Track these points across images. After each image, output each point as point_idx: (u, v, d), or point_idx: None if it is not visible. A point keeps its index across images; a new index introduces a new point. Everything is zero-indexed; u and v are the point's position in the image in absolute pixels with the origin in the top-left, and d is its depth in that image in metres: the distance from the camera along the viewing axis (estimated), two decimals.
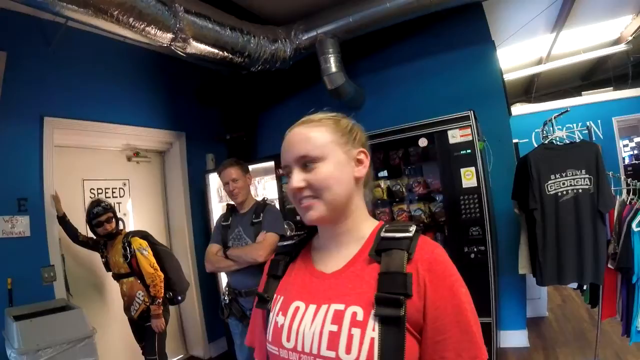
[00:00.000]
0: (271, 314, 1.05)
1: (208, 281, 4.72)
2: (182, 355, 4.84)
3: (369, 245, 1.01)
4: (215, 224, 3.21)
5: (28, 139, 3.56)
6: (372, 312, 0.89)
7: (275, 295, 1.08)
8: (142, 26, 3.12)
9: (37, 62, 3.64)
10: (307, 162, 1.02)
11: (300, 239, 1.18)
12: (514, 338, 3.95)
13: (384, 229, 1.02)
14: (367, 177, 1.11)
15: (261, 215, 2.90)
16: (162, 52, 4.56)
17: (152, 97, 4.61)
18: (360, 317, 0.90)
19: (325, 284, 1.01)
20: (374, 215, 3.95)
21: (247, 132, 5.15)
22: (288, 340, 0.97)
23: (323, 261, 1.07)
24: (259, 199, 3.15)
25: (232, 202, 3.12)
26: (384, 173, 4.02)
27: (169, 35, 3.31)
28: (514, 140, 4.00)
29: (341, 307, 0.93)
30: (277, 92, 5.10)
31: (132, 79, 4.43)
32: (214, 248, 2.99)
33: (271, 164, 4.32)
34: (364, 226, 1.07)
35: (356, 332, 0.89)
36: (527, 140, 5.66)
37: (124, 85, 4.33)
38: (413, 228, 0.99)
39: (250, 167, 4.57)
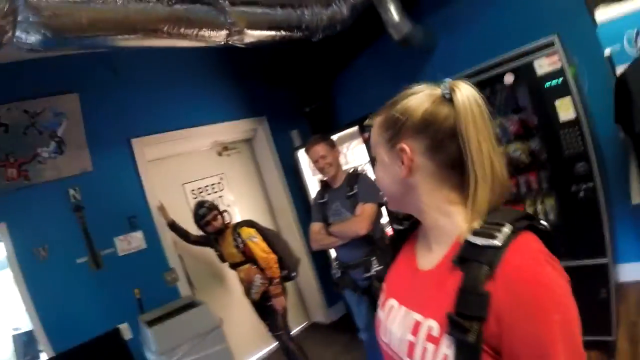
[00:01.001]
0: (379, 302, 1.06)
1: (318, 252, 4.69)
2: (305, 323, 5.02)
3: (457, 247, 0.84)
4: (312, 203, 3.18)
5: (123, 162, 3.78)
6: (447, 330, 0.78)
7: (384, 284, 1.08)
8: (195, 32, 3.04)
9: (109, 92, 3.76)
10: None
11: (411, 222, 1.06)
12: (633, 271, 3.48)
13: (472, 230, 0.82)
14: (436, 167, 0.89)
15: (355, 186, 2.83)
16: (221, 46, 4.45)
17: (226, 90, 4.60)
18: (435, 332, 0.81)
19: (416, 284, 0.94)
20: None
21: (324, 101, 4.97)
22: (384, 335, 0.98)
23: (422, 252, 0.98)
24: (349, 166, 3.07)
25: (325, 179, 3.07)
26: None
27: (223, 32, 3.19)
28: (606, 54, 3.33)
29: (420, 318, 0.86)
30: (345, 55, 4.78)
31: (202, 78, 4.45)
32: (315, 226, 2.97)
33: (355, 129, 4.11)
34: (449, 222, 0.89)
35: (430, 347, 0.81)
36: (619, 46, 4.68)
37: (195, 87, 4.36)
38: (504, 232, 0.77)
39: (335, 136, 4.42)
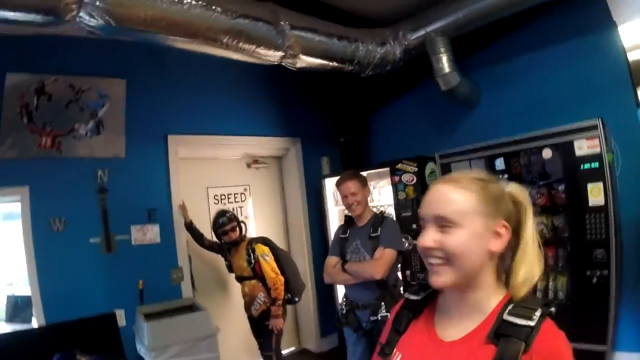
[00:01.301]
0: None
1: (322, 280, 4.62)
2: (295, 348, 4.94)
3: (490, 322, 0.94)
4: (333, 236, 3.16)
5: (155, 156, 3.82)
6: None
7: (395, 351, 1.07)
8: (252, 49, 3.11)
9: (154, 85, 3.83)
10: (443, 224, 0.96)
11: (427, 294, 1.12)
12: None
13: (507, 310, 0.93)
14: (507, 250, 1.00)
15: (379, 229, 2.80)
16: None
17: (266, 106, 4.65)
18: None
19: (440, 353, 0.97)
20: None
21: (359, 134, 4.98)
22: None
23: (443, 326, 1.02)
24: (373, 205, 2.99)
25: (350, 215, 3.05)
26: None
27: (279, 54, 3.26)
28: None
29: None
30: (388, 91, 4.80)
31: (245, 91, 4.50)
32: (332, 260, 2.94)
33: (386, 170, 4.08)
34: (491, 299, 0.99)
35: None
36: None
37: (238, 97, 4.42)
38: (538, 314, 0.90)
39: (365, 173, 4.40)
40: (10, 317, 3.26)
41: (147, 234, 3.68)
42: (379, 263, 2.65)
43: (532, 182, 3.39)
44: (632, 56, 3.30)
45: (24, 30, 2.45)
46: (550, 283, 3.23)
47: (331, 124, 5.08)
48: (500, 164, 3.45)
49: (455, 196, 0.97)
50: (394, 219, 3.06)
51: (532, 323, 0.87)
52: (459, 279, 0.95)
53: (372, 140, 5.12)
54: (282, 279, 3.44)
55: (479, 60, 4.04)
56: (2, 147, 3.08)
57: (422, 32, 3.67)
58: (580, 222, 2.92)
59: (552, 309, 0.92)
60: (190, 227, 3.84)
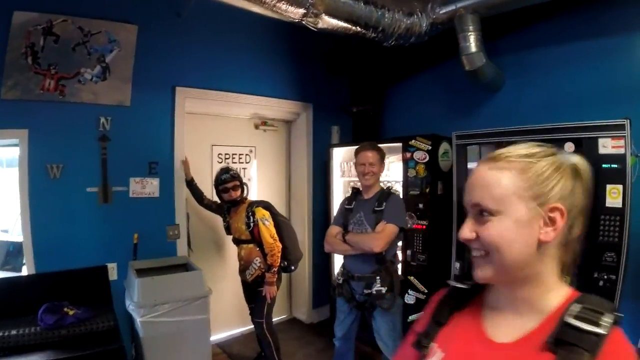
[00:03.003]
0: None
1: (321, 252, 4.50)
2: (285, 316, 4.86)
3: (550, 323, 0.77)
4: (339, 206, 3.11)
5: (161, 107, 3.61)
6: None
7: (433, 345, 0.91)
8: (273, 1, 2.92)
9: (167, 34, 3.59)
10: (481, 212, 0.82)
11: (474, 284, 0.95)
12: None
13: (571, 312, 0.75)
14: (566, 238, 0.84)
15: (384, 204, 2.78)
16: (290, 23, 4.24)
17: (281, 67, 4.41)
18: None
19: (489, 357, 0.82)
20: None
21: (374, 106, 4.73)
22: None
23: (494, 323, 0.87)
24: (383, 179, 3.05)
25: (357, 186, 3.06)
26: None
27: (301, 11, 3.05)
28: None
29: None
30: (407, 66, 4.55)
31: (261, 49, 4.24)
32: (334, 230, 2.92)
33: (398, 145, 3.83)
34: (550, 296, 0.82)
35: None
36: None
37: (253, 55, 4.16)
38: (608, 321, 0.73)
39: None
40: (2, 264, 3.09)
41: (146, 187, 3.50)
42: (380, 236, 2.64)
43: None
44: None
45: None
46: None
47: (346, 93, 4.87)
48: None
49: (492, 179, 0.82)
50: (400, 196, 2.99)
51: (600, 331, 0.71)
52: (500, 273, 0.82)
53: (386, 115, 4.88)
54: (279, 245, 3.31)
55: (506, 45, 3.78)
56: (3, 88, 2.86)
57: (452, 7, 3.41)
58: (594, 222, 2.73)
59: (621, 315, 0.75)
60: (190, 184, 3.68)
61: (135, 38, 3.33)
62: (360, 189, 2.99)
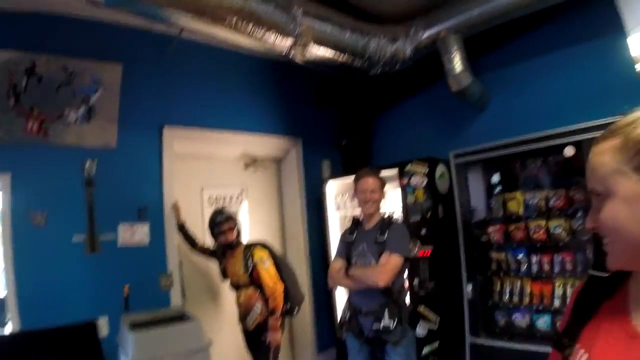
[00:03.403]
0: None
1: (321, 291, 4.42)
2: None
3: None
4: (340, 238, 2.97)
5: (148, 148, 3.52)
6: None
7: (576, 346, 0.80)
8: (261, 33, 2.92)
9: (153, 72, 3.56)
10: (598, 196, 0.75)
11: (616, 273, 0.82)
12: None
13: None
14: None
15: (386, 233, 2.64)
16: (276, 58, 4.29)
17: (268, 103, 4.39)
18: None
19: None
20: (505, 232, 3.40)
21: (362, 137, 4.75)
22: None
23: None
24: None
25: (357, 216, 2.93)
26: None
27: (288, 41, 3.07)
28: None
29: None
30: (394, 93, 4.62)
31: (248, 86, 4.24)
32: (337, 264, 2.79)
33: (394, 171, 3.76)
34: None
35: None
36: None
37: (240, 92, 4.16)
38: None
39: None
40: None
41: (136, 234, 3.33)
42: (384, 270, 2.53)
43: (548, 184, 3.31)
44: None
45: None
46: (569, 289, 3.07)
47: (334, 125, 4.88)
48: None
49: (596, 160, 0.75)
50: (402, 223, 2.92)
51: None
52: (629, 258, 0.73)
53: (375, 144, 4.90)
54: (281, 287, 3.13)
55: (489, 62, 3.90)
56: None
57: (434, 30, 3.53)
58: None
59: None
60: (182, 228, 3.52)
61: (120, 77, 3.28)
62: (360, 218, 2.88)
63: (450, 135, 4.14)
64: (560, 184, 3.19)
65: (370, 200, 2.69)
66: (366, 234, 2.74)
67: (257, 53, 4.07)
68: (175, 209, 3.52)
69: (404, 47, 3.62)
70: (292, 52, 3.17)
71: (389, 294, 2.58)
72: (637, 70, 3.16)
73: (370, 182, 2.71)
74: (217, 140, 3.89)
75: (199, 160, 4.04)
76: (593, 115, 2.78)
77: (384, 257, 2.56)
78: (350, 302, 2.80)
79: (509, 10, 3.18)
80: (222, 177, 4.21)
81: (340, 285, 2.85)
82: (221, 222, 3.21)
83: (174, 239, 3.54)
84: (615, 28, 3.17)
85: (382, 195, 2.77)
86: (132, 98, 3.37)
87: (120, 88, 3.29)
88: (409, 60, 3.70)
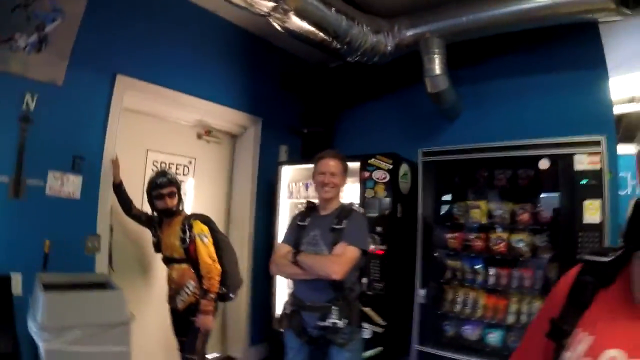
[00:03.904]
0: (568, 353, 0.75)
1: (260, 280, 4.27)
2: (218, 354, 4.34)
3: None
4: (289, 222, 2.74)
5: (96, 94, 3.25)
6: None
7: (576, 330, 0.77)
8: None
9: (118, 15, 3.30)
10: None
11: (617, 257, 0.79)
12: None
13: None
14: None
15: (344, 222, 2.43)
16: (251, 30, 4.24)
17: (235, 75, 4.24)
18: None
19: None
20: (465, 241, 3.40)
21: (326, 128, 4.71)
22: None
23: None
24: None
25: (312, 201, 2.70)
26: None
27: (270, 4, 2.91)
28: None
29: None
30: (364, 91, 4.61)
31: (216, 52, 4.07)
32: (283, 249, 2.53)
33: (356, 164, 3.69)
34: None
35: None
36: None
37: (207, 57, 3.98)
38: None
39: None
40: None
41: (67, 185, 3.02)
42: (340, 260, 2.30)
43: (514, 198, 3.32)
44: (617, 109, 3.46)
45: None
46: (525, 307, 3.10)
47: (297, 112, 4.79)
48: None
49: None
50: (362, 213, 2.65)
51: None
52: None
53: (338, 138, 4.86)
54: (219, 267, 2.93)
55: (464, 76, 3.97)
56: None
57: (419, 30, 3.56)
58: (572, 239, 2.79)
59: None
60: (119, 188, 3.25)
61: (83, 10, 3.00)
62: (317, 203, 2.65)
63: (417, 140, 4.13)
64: (526, 198, 3.23)
65: (329, 183, 2.49)
66: (321, 220, 2.53)
67: (233, 18, 3.99)
68: (115, 165, 3.25)
69: (385, 41, 3.63)
70: (273, 14, 3.02)
71: (340, 289, 2.36)
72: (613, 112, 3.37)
73: (331, 164, 2.53)
74: (173, 102, 3.67)
75: (149, 120, 3.79)
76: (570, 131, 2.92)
77: (340, 247, 2.35)
78: (293, 295, 2.56)
79: (494, 24, 3.26)
80: (172, 143, 3.99)
81: (285, 273, 2.61)
82: (162, 184, 2.99)
83: (108, 198, 3.26)
84: (597, 64, 3.42)
85: (343, 180, 2.58)
86: (90, 36, 3.08)
87: (80, 22, 3.00)
88: (388, 55, 3.70)
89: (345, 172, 2.60)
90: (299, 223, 2.60)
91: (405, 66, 3.87)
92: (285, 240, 2.60)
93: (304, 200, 4.00)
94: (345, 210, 2.50)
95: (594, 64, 3.42)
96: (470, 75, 3.98)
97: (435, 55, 3.50)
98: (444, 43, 3.53)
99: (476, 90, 3.96)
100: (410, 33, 3.59)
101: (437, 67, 3.51)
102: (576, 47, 3.50)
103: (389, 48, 3.65)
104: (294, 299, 2.51)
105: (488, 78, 3.94)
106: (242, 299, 4.15)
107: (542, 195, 3.19)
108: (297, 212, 2.76)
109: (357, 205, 2.67)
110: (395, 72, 4.09)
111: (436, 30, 3.48)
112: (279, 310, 4.05)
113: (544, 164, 2.95)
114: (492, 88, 3.90)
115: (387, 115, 4.52)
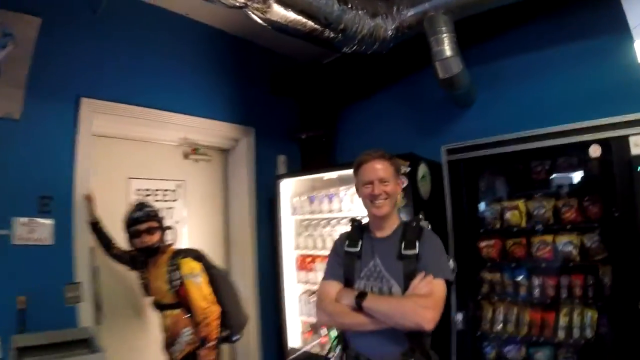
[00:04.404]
0: None
1: (270, 310, 3.96)
2: None
3: None
4: (333, 247, 2.16)
5: (60, 124, 2.96)
6: None
7: None
8: None
9: (77, 34, 3.03)
10: None
11: None
12: None
13: None
14: None
15: (416, 243, 1.91)
16: (230, 31, 3.94)
17: (218, 83, 3.92)
18: None
19: None
20: (503, 248, 2.98)
21: (327, 131, 4.38)
22: None
23: None
24: (345, 215, 2.22)
25: (359, 219, 2.17)
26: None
27: None
28: None
29: None
30: (364, 84, 4.28)
31: (196, 61, 3.77)
32: (332, 288, 1.98)
33: None
34: None
35: None
36: None
37: (185, 67, 3.67)
38: None
39: (334, 174, 3.73)
40: None
41: (37, 231, 2.74)
42: (430, 303, 1.75)
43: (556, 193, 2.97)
44: None
45: None
46: (575, 318, 2.73)
47: (293, 117, 4.50)
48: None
49: None
50: (431, 230, 2.06)
51: None
52: None
53: (340, 140, 4.55)
54: (217, 310, 2.62)
55: (475, 56, 3.59)
56: None
57: (421, 8, 3.19)
58: (634, 238, 2.40)
59: None
60: (95, 227, 2.95)
61: (37, 34, 2.74)
62: (367, 222, 2.12)
63: (428, 133, 3.85)
64: (571, 192, 2.87)
65: (380, 194, 1.94)
66: (380, 245, 1.99)
67: (208, 20, 3.71)
68: (89, 201, 2.94)
69: (385, 25, 3.28)
70: (250, 5, 2.69)
71: (418, 336, 1.85)
72: None
73: (378, 167, 1.97)
74: (152, 121, 3.35)
75: (126, 144, 3.47)
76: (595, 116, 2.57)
77: (425, 283, 1.81)
78: (349, 348, 2.00)
79: None
80: (155, 167, 3.67)
81: (344, 324, 1.96)
82: (139, 219, 2.69)
83: (85, 239, 2.95)
84: (618, 27, 3.02)
85: (397, 186, 2.04)
86: (47, 61, 2.82)
87: (34, 47, 2.75)
88: (389, 41, 3.36)
89: (398, 173, 2.08)
90: (347, 250, 2.05)
91: (409, 52, 3.57)
92: (331, 276, 2.04)
93: (312, 216, 3.75)
94: (413, 229, 1.98)
95: (616, 28, 3.03)
96: (482, 54, 3.63)
97: (444, 35, 3.13)
98: (451, 20, 3.16)
99: (489, 71, 3.62)
100: (411, 13, 3.24)
101: (448, 48, 3.13)
102: (593, 11, 3.18)
103: (390, 32, 3.30)
104: (352, 355, 1.97)
105: (501, 55, 3.61)
106: (250, 335, 3.83)
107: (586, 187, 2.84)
108: (340, 235, 2.19)
109: (424, 221, 2.09)
110: (399, 60, 3.76)
111: (441, 6, 3.12)
112: (291, 342, 3.78)
113: (594, 151, 2.55)
114: (507, 66, 3.58)
115: (393, 110, 4.20)
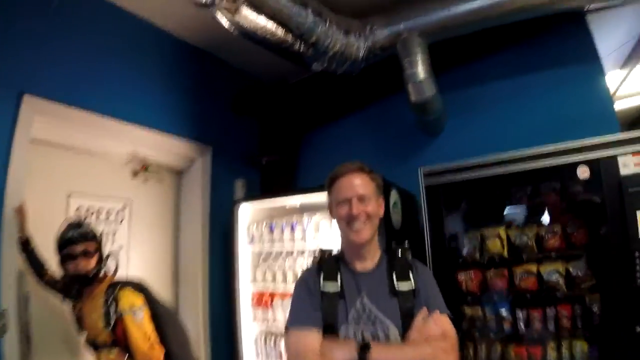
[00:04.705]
0: None
1: (224, 355, 3.58)
2: None
3: None
4: (303, 285, 1.76)
5: None
6: None
7: None
8: None
9: (25, 26, 2.72)
10: None
11: None
12: None
13: None
14: None
15: (410, 276, 1.69)
16: (196, 43, 3.79)
17: (177, 96, 3.67)
18: None
19: None
20: (484, 279, 2.80)
21: (289, 156, 4.24)
22: None
23: None
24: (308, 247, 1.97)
25: (329, 250, 1.87)
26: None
27: None
28: None
29: None
30: (331, 108, 4.20)
31: (154, 69, 3.52)
32: (313, 339, 1.58)
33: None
34: None
35: None
36: None
37: (143, 75, 3.42)
38: None
39: (297, 200, 3.47)
40: None
41: None
42: (449, 346, 1.55)
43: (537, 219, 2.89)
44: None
45: None
46: (564, 352, 2.61)
47: (253, 139, 4.33)
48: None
49: None
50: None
51: None
52: None
53: (302, 166, 4.41)
54: (159, 353, 2.29)
55: (445, 82, 3.54)
56: None
57: (396, 28, 3.20)
58: (627, 261, 2.32)
59: None
60: (26, 247, 2.57)
61: None
62: (342, 253, 1.81)
63: (397, 161, 3.82)
64: (555, 218, 2.79)
65: (359, 214, 1.67)
66: (366, 280, 1.71)
67: (175, 30, 3.57)
68: (20, 215, 2.56)
69: (357, 44, 3.21)
70: (218, 6, 2.56)
71: None
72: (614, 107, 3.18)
73: (356, 182, 1.72)
74: (99, 129, 3.05)
75: (69, 155, 3.14)
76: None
77: (435, 322, 1.60)
78: None
79: (478, 15, 2.97)
80: (100, 183, 3.33)
81: None
82: (73, 239, 2.34)
83: (13, 261, 2.55)
84: (588, 55, 3.26)
85: (379, 206, 1.77)
86: None
87: None
88: (360, 62, 3.29)
89: (380, 192, 1.81)
90: (323, 291, 1.69)
91: (380, 75, 3.54)
92: (305, 321, 1.63)
93: (268, 247, 3.46)
94: (400, 260, 1.75)
95: (586, 58, 3.28)
96: (452, 80, 3.64)
97: (417, 57, 3.12)
98: (425, 43, 3.17)
99: (459, 97, 3.67)
100: (385, 33, 3.21)
101: (421, 70, 3.11)
102: (564, 41, 3.36)
103: (362, 52, 3.24)
104: None
105: (472, 82, 3.67)
106: None
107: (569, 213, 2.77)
108: (308, 269, 1.83)
109: (408, 250, 1.84)
110: (369, 83, 3.72)
111: (416, 28, 3.13)
112: None
113: (583, 172, 2.50)
114: (477, 93, 3.64)
115: (362, 135, 4.13)
